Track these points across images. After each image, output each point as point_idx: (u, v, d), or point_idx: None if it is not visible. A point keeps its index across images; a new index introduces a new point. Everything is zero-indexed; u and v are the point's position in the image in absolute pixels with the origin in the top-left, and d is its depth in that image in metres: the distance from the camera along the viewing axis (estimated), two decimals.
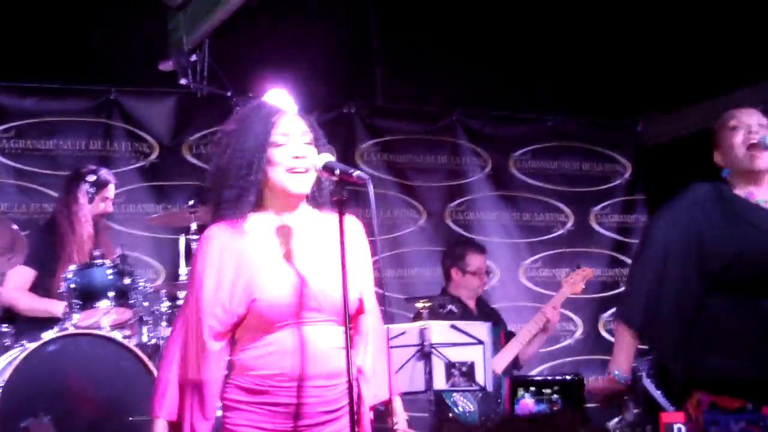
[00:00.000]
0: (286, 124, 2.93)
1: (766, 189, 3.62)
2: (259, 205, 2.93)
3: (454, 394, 5.68)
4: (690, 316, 3.52)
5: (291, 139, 2.92)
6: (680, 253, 3.57)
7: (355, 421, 2.74)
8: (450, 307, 5.82)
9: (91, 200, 5.60)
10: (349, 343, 2.75)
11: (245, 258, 2.86)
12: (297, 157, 2.89)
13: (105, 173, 5.75)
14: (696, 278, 3.53)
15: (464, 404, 5.70)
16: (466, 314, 5.98)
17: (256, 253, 2.87)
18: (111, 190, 5.73)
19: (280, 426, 2.85)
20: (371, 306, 3.03)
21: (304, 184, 2.91)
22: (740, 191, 3.62)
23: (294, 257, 2.89)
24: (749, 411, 3.43)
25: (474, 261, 6.28)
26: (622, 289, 6.16)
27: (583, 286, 6.23)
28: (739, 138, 3.60)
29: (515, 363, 6.11)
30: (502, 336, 6.03)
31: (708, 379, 3.52)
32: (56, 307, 5.24)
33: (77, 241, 5.50)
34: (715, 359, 3.49)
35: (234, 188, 2.87)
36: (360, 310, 3.00)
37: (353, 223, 3.00)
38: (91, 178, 5.62)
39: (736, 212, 3.57)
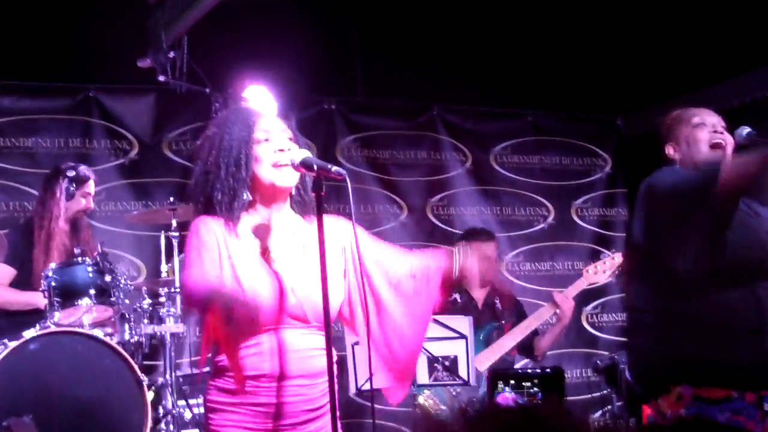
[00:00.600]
0: (266, 123, 2.99)
1: None
2: (247, 207, 2.95)
3: (425, 391, 5.62)
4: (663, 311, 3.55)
5: (272, 135, 2.95)
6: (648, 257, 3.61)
7: (336, 419, 2.76)
8: (455, 296, 5.77)
9: (71, 197, 5.57)
10: (331, 345, 2.77)
11: (233, 258, 2.86)
12: (280, 150, 2.93)
13: (84, 169, 5.72)
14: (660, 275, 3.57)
15: (435, 404, 5.64)
16: (469, 305, 5.91)
17: (242, 255, 2.87)
18: (91, 186, 5.71)
19: (262, 425, 2.86)
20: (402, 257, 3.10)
21: (290, 178, 2.94)
22: None
23: (278, 263, 2.88)
24: (734, 400, 3.42)
25: (483, 248, 6.06)
26: (605, 283, 6.02)
27: (608, 274, 5.83)
28: (704, 135, 3.66)
29: (531, 355, 6.03)
30: (505, 330, 5.89)
31: (689, 371, 3.50)
32: (37, 298, 5.21)
33: (54, 239, 5.46)
34: (695, 350, 3.48)
35: (225, 189, 2.90)
36: (343, 315, 3.03)
37: (336, 221, 3.02)
38: (71, 173, 5.59)
39: None
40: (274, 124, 2.99)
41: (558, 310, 5.81)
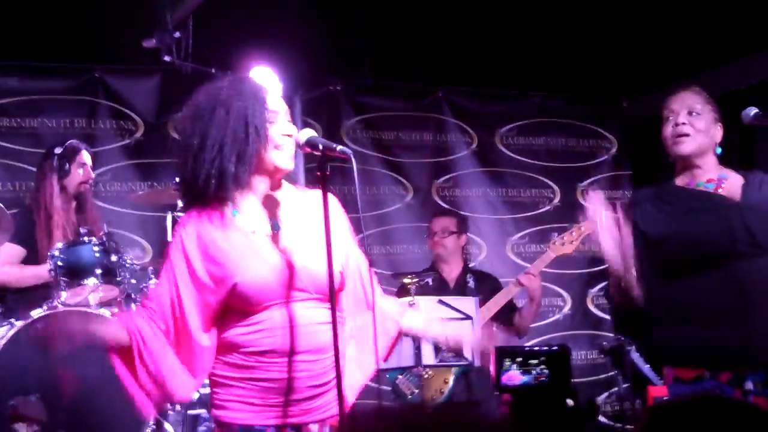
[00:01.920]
0: (273, 102, 2.94)
1: (707, 170, 3.68)
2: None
3: (399, 376, 5.61)
4: (647, 301, 3.59)
5: (279, 116, 2.93)
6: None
7: (342, 395, 2.76)
8: (427, 280, 5.75)
9: (67, 173, 5.56)
10: (336, 319, 2.78)
11: (224, 243, 2.85)
12: (286, 135, 2.91)
13: (73, 142, 5.70)
14: (644, 265, 3.60)
15: (408, 387, 5.64)
16: (441, 287, 5.92)
17: (237, 236, 2.86)
18: (85, 156, 5.66)
19: (269, 401, 2.86)
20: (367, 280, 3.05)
21: (292, 161, 2.93)
22: (683, 178, 3.71)
23: (278, 236, 2.89)
24: (705, 379, 3.49)
25: (433, 225, 6.20)
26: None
27: (575, 244, 5.73)
28: (668, 130, 3.68)
29: (516, 333, 6.01)
30: (481, 304, 5.86)
31: (669, 353, 3.61)
32: (43, 271, 5.20)
33: (53, 218, 5.46)
34: (671, 333, 3.57)
35: (223, 166, 2.82)
36: (342, 287, 3.01)
37: (332, 201, 2.98)
38: (58, 150, 5.57)
39: (672, 202, 3.66)
40: (280, 104, 2.97)
41: (526, 288, 5.77)
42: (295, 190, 3.04)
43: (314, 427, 2.90)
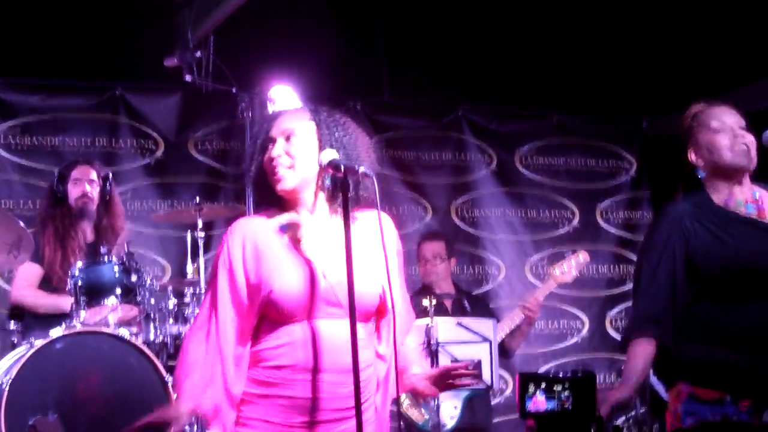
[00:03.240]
0: (273, 127, 2.98)
1: (746, 188, 3.61)
2: (280, 203, 2.98)
3: (407, 401, 5.54)
4: (679, 317, 3.53)
5: (278, 142, 2.95)
6: (669, 262, 3.57)
7: (361, 419, 2.73)
8: (425, 305, 5.61)
9: (63, 191, 5.58)
10: (356, 339, 2.70)
11: (265, 250, 2.87)
12: (271, 159, 2.93)
13: (72, 159, 5.79)
14: (685, 287, 3.51)
15: (419, 413, 5.57)
16: (439, 309, 5.82)
17: (275, 245, 2.88)
18: (82, 171, 5.66)
19: (291, 420, 2.82)
20: (399, 307, 3.00)
21: (284, 182, 2.92)
22: (719, 195, 3.60)
23: (310, 251, 2.89)
24: (726, 403, 3.41)
25: (424, 250, 6.17)
26: (629, 286, 5.98)
27: (575, 273, 5.95)
28: (725, 141, 3.52)
29: (505, 353, 5.99)
30: None
31: (690, 370, 3.51)
32: (64, 302, 5.23)
33: (63, 237, 5.49)
34: (698, 351, 3.48)
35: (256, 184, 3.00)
36: (381, 307, 2.96)
37: (386, 222, 2.98)
38: (56, 172, 5.66)
39: (721, 225, 3.53)
40: (277, 127, 2.98)
41: (528, 316, 5.85)
42: (340, 211, 2.96)
43: None
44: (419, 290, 6.11)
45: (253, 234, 2.91)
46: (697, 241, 3.52)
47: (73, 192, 5.61)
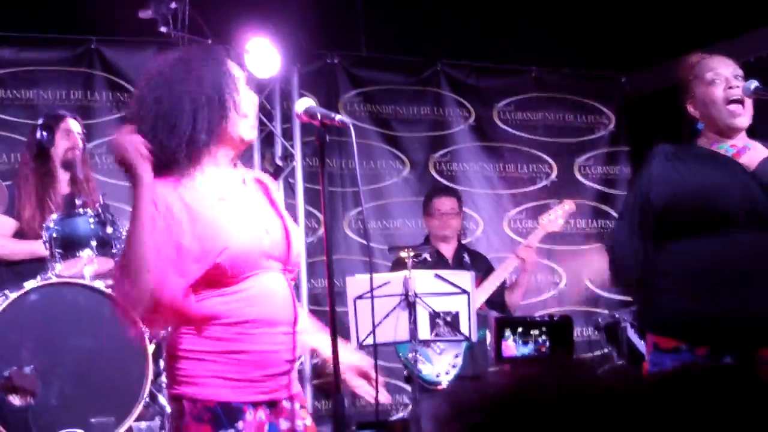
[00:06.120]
0: (235, 69, 2.87)
1: (737, 140, 3.55)
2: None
3: (409, 352, 5.55)
4: (640, 259, 3.51)
5: (240, 84, 2.86)
6: (633, 204, 3.57)
7: (339, 374, 2.77)
8: (425, 255, 5.76)
9: (51, 141, 5.51)
10: (333, 298, 2.81)
11: (202, 210, 2.75)
12: (251, 103, 2.88)
13: (59, 111, 5.69)
14: (641, 223, 3.50)
15: (422, 362, 5.59)
16: (439, 263, 5.91)
17: (214, 204, 2.78)
18: (71, 124, 5.59)
19: (246, 375, 2.76)
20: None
21: (255, 131, 2.90)
22: (707, 141, 3.55)
23: (242, 208, 2.84)
24: (683, 351, 3.38)
25: (439, 204, 6.20)
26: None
27: (562, 221, 6.09)
28: (718, 93, 3.49)
29: (504, 309, 6.09)
30: (478, 282, 5.92)
31: (650, 319, 3.55)
32: (40, 247, 5.16)
33: (43, 189, 5.44)
34: (656, 298, 3.48)
35: (198, 135, 2.75)
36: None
37: (269, 181, 3.05)
38: (40, 121, 5.55)
39: (686, 159, 3.51)
40: (240, 72, 2.89)
41: (520, 263, 6.03)
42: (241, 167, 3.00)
43: (287, 404, 2.83)
44: (423, 243, 6.21)
45: (187, 194, 2.75)
46: (657, 175, 3.49)
47: (64, 143, 5.54)
